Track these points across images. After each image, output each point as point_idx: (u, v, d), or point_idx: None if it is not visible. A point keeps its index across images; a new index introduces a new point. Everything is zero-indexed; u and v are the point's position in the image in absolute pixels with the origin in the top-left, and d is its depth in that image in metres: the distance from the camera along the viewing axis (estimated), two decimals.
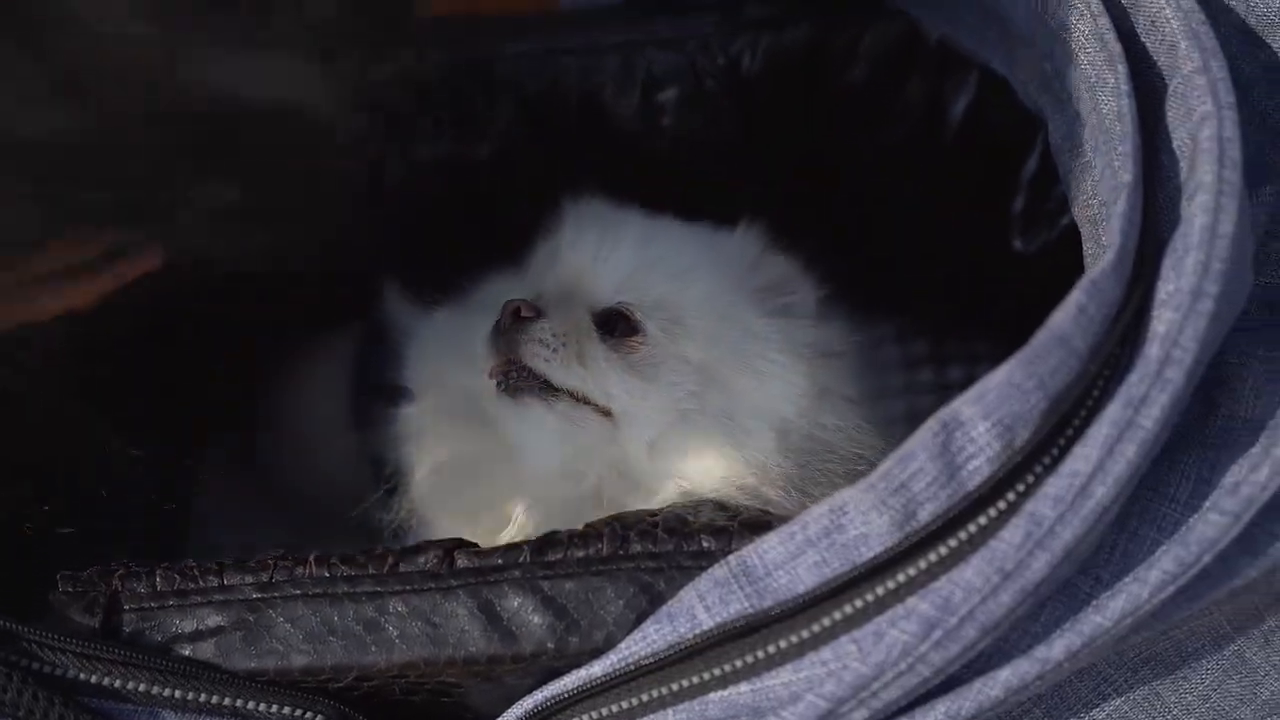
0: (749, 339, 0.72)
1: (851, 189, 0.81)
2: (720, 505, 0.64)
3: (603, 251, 0.74)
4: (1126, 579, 0.52)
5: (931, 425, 0.51)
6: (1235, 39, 0.60)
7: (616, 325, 0.74)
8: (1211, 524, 0.52)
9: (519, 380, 0.71)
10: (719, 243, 0.75)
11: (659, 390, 0.71)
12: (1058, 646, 0.52)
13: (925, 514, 0.51)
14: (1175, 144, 0.55)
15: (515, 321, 0.72)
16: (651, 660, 0.55)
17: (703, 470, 0.70)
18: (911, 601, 0.51)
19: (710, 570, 0.55)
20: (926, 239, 0.81)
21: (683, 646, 0.54)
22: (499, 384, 0.72)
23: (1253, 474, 0.52)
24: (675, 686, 0.54)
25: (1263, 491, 0.51)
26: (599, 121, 0.79)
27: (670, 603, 0.56)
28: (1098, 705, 0.59)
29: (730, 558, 0.54)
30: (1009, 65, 0.69)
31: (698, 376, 0.72)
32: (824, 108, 0.78)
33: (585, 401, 0.72)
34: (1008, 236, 0.81)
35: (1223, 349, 0.54)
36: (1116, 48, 0.57)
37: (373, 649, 0.59)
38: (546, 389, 0.71)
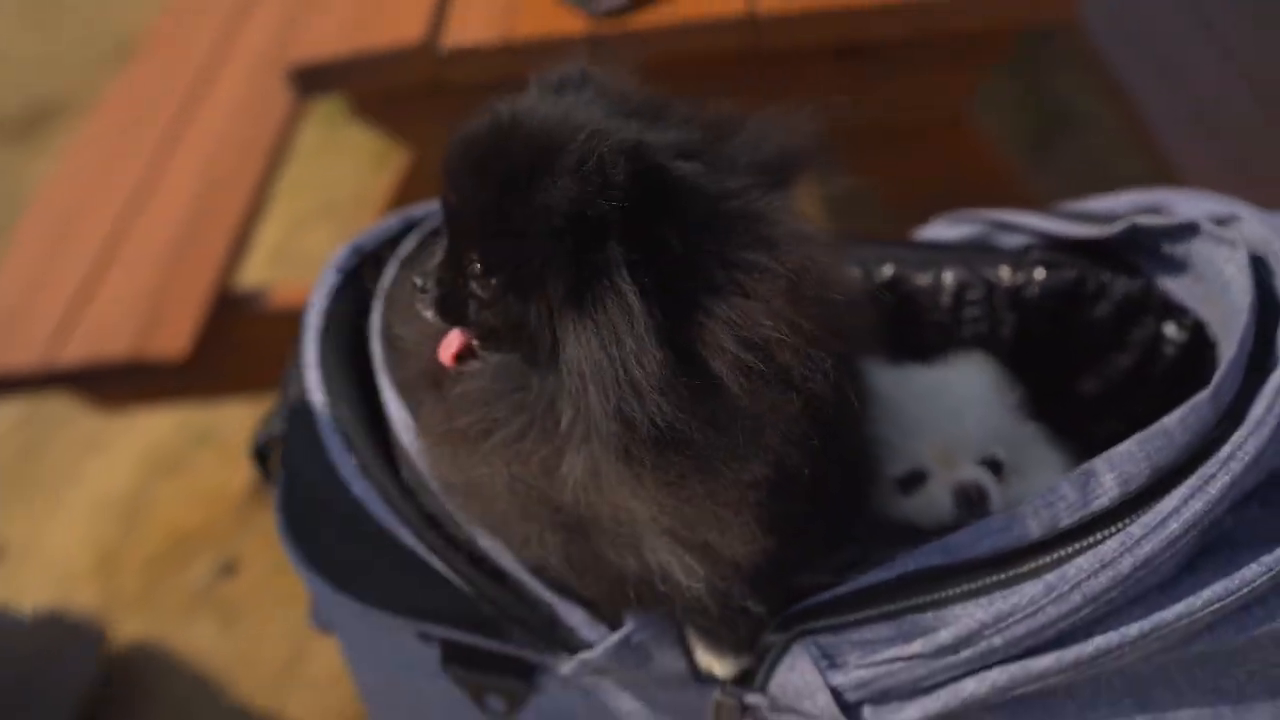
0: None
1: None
2: None
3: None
4: (1184, 592, 0.81)
5: (1077, 472, 0.84)
6: None
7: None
8: (1252, 570, 0.80)
9: None
10: None
11: None
12: (1134, 628, 0.81)
13: (1064, 522, 0.83)
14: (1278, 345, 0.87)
15: None
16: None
17: None
18: (1044, 574, 0.83)
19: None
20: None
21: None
22: None
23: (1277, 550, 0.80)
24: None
25: None
26: (916, 314, 1.17)
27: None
28: (1175, 710, 0.86)
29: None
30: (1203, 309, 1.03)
31: None
32: (1077, 330, 1.12)
33: None
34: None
35: None
36: (1249, 294, 0.90)
37: None
38: None
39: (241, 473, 2.49)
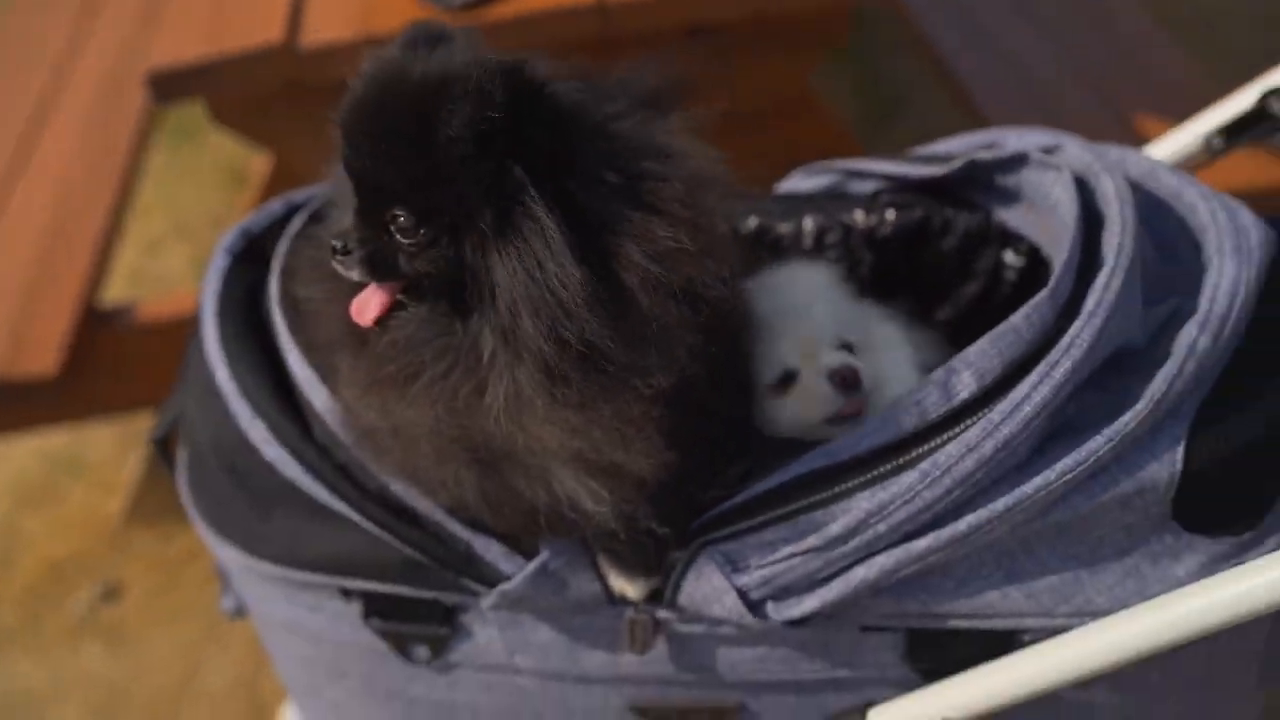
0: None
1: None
2: None
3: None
4: (1039, 469, 0.91)
5: (939, 372, 0.93)
6: (1144, 204, 1.04)
7: None
8: (1096, 442, 0.91)
9: None
10: None
11: None
12: (999, 504, 0.91)
13: (932, 416, 0.93)
14: (1103, 249, 0.98)
15: None
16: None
17: None
18: (918, 463, 0.92)
19: None
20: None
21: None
22: None
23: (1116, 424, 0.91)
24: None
25: (1129, 426, 0.90)
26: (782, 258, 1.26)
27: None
28: (1041, 577, 0.96)
29: None
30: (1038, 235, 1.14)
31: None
32: (927, 263, 1.23)
33: None
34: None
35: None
36: (1074, 209, 1.01)
37: None
38: None
39: (115, 498, 2.45)
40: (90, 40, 2.65)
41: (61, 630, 2.21)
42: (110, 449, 2.59)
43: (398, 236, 0.84)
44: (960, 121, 2.21)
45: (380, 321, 0.87)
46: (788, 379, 1.02)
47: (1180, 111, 1.31)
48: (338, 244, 0.86)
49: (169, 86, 1.75)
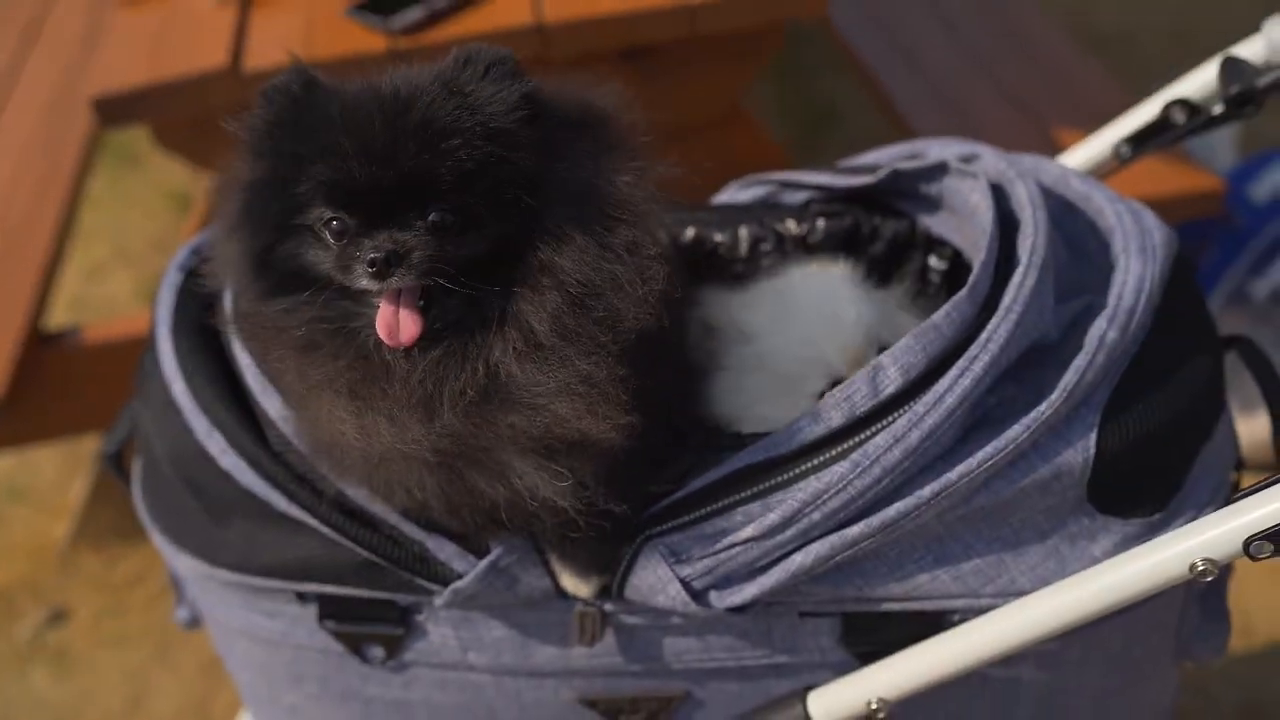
0: None
1: None
2: None
3: None
4: (962, 457, 0.97)
5: (866, 368, 0.99)
6: (1056, 208, 1.11)
7: None
8: (1015, 430, 0.97)
9: None
10: None
11: None
12: (926, 491, 0.97)
13: (860, 410, 0.98)
14: (1018, 250, 1.04)
15: None
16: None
17: None
18: (849, 454, 0.97)
19: None
20: None
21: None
22: None
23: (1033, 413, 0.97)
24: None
25: (1045, 415, 0.96)
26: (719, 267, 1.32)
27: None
28: (967, 560, 1.01)
29: None
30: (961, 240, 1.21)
31: None
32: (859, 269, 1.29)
33: None
34: None
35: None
36: (990, 214, 1.07)
37: None
38: None
39: (60, 522, 2.45)
40: (31, 63, 2.65)
41: (8, 655, 2.20)
42: (55, 473, 2.58)
43: (432, 236, 0.87)
44: (887, 134, 2.30)
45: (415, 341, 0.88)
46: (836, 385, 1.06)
47: (1096, 123, 1.38)
48: (379, 256, 0.85)
49: (114, 110, 1.77)
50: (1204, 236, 2.26)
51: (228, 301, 1.11)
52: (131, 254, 3.22)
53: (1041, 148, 1.73)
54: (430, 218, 0.87)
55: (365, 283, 0.87)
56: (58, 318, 2.85)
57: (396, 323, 0.88)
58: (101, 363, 2.08)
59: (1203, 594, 1.12)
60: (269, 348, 0.97)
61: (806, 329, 1.12)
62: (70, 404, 2.11)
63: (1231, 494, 1.06)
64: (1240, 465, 1.14)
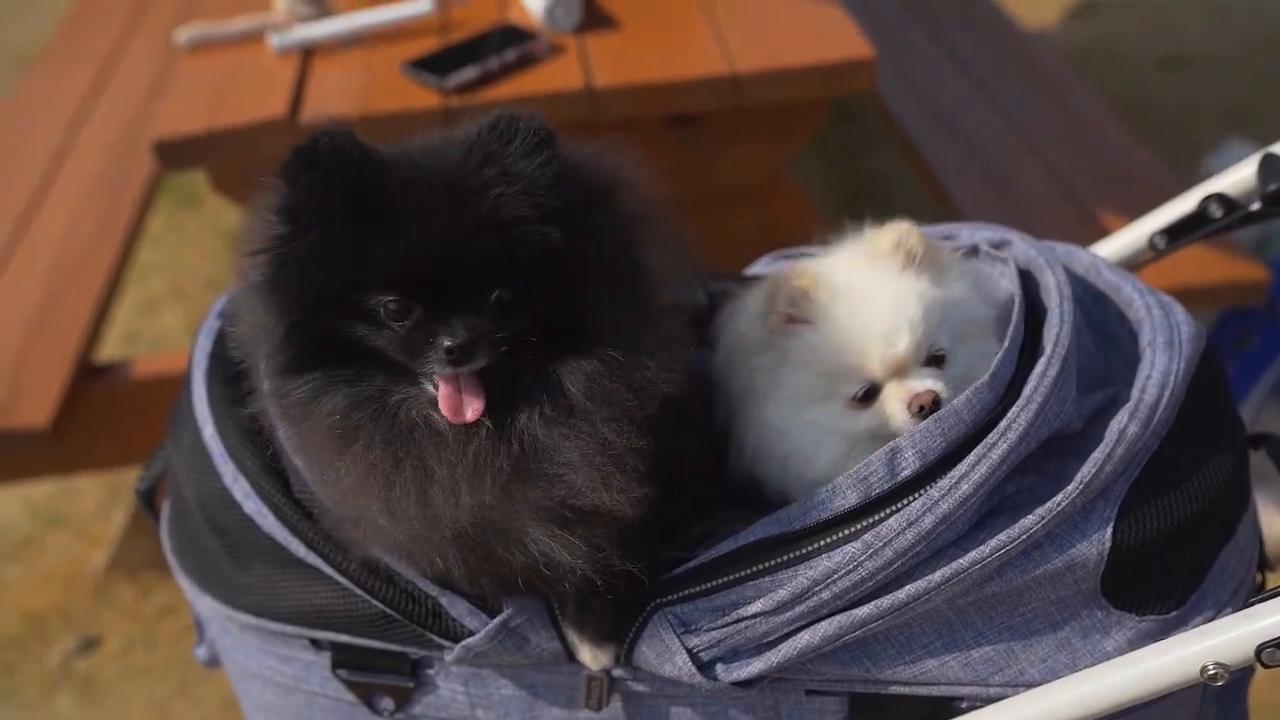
0: None
1: None
2: None
3: None
4: (976, 544, 0.97)
5: (884, 450, 0.99)
6: (1086, 297, 1.11)
7: None
8: (1029, 520, 0.96)
9: None
10: None
11: None
12: (937, 575, 0.97)
13: (876, 491, 0.98)
14: (1044, 339, 1.04)
15: None
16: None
17: None
18: (862, 535, 0.97)
19: None
20: None
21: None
22: None
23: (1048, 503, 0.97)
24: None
25: (1060, 505, 0.96)
26: None
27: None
28: (977, 647, 1.01)
29: None
30: None
31: None
32: None
33: None
34: None
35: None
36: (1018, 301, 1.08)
37: None
38: None
39: (98, 551, 2.49)
40: (103, 104, 2.74)
41: (37, 680, 2.24)
42: (96, 502, 2.63)
43: (491, 318, 0.88)
44: (933, 212, 2.31)
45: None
46: (870, 395, 1.05)
47: (1144, 208, 1.37)
48: (458, 344, 0.87)
49: (175, 155, 1.83)
50: (1248, 327, 2.24)
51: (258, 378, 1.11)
52: (186, 291, 3.29)
53: (1085, 230, 1.74)
54: (495, 299, 0.88)
55: (438, 369, 0.89)
56: (110, 350, 2.92)
57: (461, 401, 0.89)
58: (148, 396, 2.12)
59: (1219, 694, 1.10)
60: (302, 432, 0.95)
61: (853, 330, 1.05)
62: (116, 435, 2.15)
63: (1256, 594, 1.05)
64: (1267, 565, 1.13)
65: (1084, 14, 4.41)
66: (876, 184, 3.43)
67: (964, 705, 1.02)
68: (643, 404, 0.91)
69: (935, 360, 1.06)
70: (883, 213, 1.18)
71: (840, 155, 3.58)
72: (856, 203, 3.29)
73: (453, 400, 0.89)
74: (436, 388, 0.90)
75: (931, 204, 2.38)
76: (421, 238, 0.86)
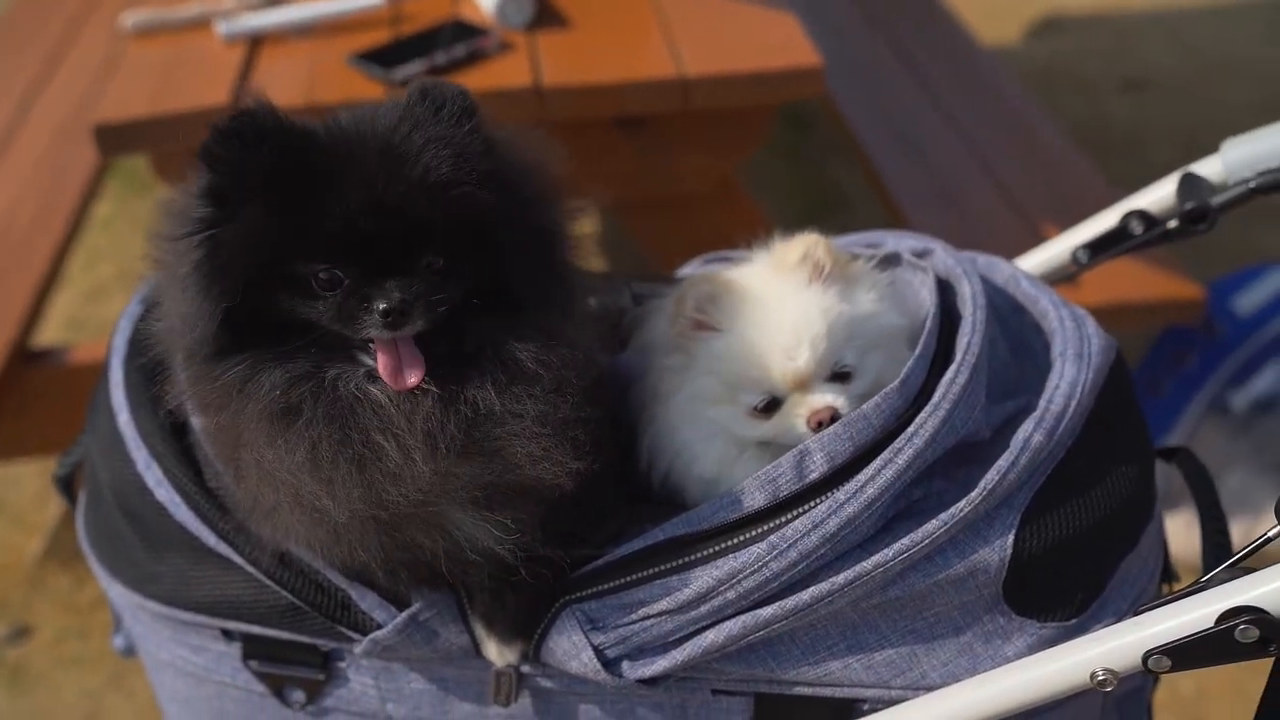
0: None
1: None
2: None
3: None
4: (880, 547, 0.98)
5: (793, 452, 1.00)
6: (1004, 307, 1.13)
7: None
8: (932, 525, 0.97)
9: None
10: None
11: None
12: (840, 578, 0.97)
13: (783, 493, 0.99)
14: (956, 346, 1.06)
15: None
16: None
17: None
18: (767, 536, 0.98)
19: None
20: None
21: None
22: None
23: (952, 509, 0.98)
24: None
25: (963, 511, 0.97)
26: None
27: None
28: (880, 650, 1.02)
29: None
30: None
31: None
32: None
33: None
34: None
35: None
36: (932, 309, 1.09)
37: None
38: None
39: (31, 538, 2.46)
40: (51, 88, 2.71)
41: None
42: (34, 490, 2.60)
43: (431, 282, 0.89)
44: (890, 222, 2.33)
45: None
46: (771, 406, 1.05)
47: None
48: (393, 307, 0.86)
49: (114, 139, 1.82)
50: (1187, 345, 2.27)
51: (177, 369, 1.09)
52: (134, 277, 3.24)
53: (1032, 246, 1.75)
54: (427, 264, 0.89)
55: (374, 333, 0.88)
56: (55, 336, 2.89)
57: (400, 366, 0.89)
58: (86, 382, 2.09)
59: (1119, 702, 1.12)
60: (231, 417, 0.93)
61: (760, 342, 1.05)
62: (54, 421, 2.12)
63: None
64: (1172, 576, 1.14)
65: (1045, 32, 4.45)
66: (839, 193, 3.45)
67: (866, 707, 1.03)
68: (581, 374, 0.93)
69: (840, 376, 1.06)
70: (844, 223, 1.19)
71: (807, 165, 3.60)
72: (819, 212, 3.32)
73: (392, 365, 0.89)
74: (374, 358, 0.90)
75: (890, 221, 2.41)
76: (355, 203, 0.86)
